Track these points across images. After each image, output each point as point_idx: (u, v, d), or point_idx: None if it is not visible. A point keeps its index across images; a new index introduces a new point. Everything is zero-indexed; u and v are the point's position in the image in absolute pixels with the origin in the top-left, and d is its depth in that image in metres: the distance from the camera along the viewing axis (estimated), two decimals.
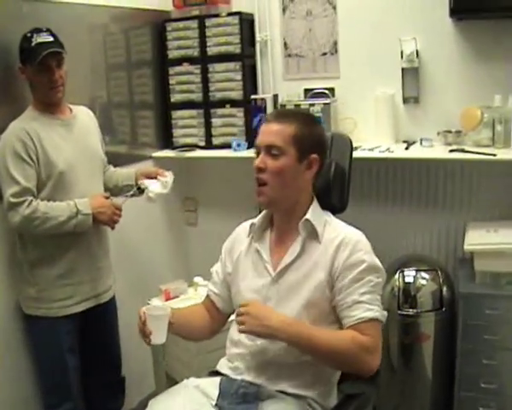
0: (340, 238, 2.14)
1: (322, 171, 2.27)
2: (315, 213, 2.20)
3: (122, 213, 2.96)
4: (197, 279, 3.52)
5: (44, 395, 3.06)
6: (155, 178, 3.09)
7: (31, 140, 2.74)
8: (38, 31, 2.78)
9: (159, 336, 2.17)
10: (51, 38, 2.79)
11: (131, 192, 3.06)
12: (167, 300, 3.42)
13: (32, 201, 2.71)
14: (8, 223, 2.75)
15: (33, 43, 2.74)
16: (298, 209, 2.20)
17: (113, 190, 3.17)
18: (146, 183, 3.05)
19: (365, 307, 2.05)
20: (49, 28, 2.82)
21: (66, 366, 2.96)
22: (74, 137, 2.94)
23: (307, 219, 2.18)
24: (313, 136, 2.18)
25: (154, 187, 3.04)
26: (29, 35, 2.76)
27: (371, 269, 2.10)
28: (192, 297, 3.41)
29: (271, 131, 2.15)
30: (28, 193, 2.71)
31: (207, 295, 2.47)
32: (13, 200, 2.68)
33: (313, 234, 2.18)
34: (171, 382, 3.26)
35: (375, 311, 2.07)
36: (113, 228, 2.99)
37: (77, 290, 2.94)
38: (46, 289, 2.88)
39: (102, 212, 2.87)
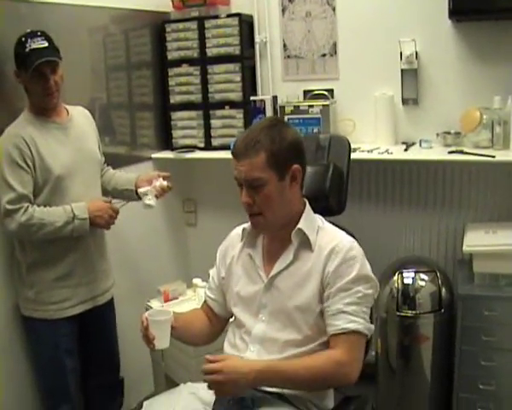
0: (331, 246, 2.12)
1: (320, 173, 2.25)
2: (307, 221, 2.18)
3: (121, 214, 2.97)
4: (196, 281, 3.51)
5: (43, 396, 3.06)
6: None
7: (27, 146, 2.73)
8: (33, 35, 2.73)
9: (162, 341, 2.16)
10: (46, 44, 2.74)
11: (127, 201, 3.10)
12: (166, 301, 3.43)
13: (28, 207, 2.70)
14: (5, 228, 2.74)
15: (27, 49, 2.70)
16: (290, 219, 2.18)
17: (111, 193, 3.18)
18: (142, 190, 3.05)
19: (349, 318, 2.04)
20: (43, 31, 2.78)
21: (64, 367, 2.95)
22: (71, 140, 2.93)
23: (300, 229, 2.16)
24: (285, 148, 2.09)
25: (147, 194, 3.05)
26: (23, 40, 2.73)
27: (360, 279, 2.08)
28: (191, 298, 3.42)
29: (245, 167, 2.09)
30: (24, 200, 2.70)
31: (205, 301, 2.46)
32: (9, 207, 2.68)
33: (306, 242, 2.16)
34: (170, 383, 3.27)
35: (359, 323, 2.05)
36: (108, 229, 2.99)
37: (74, 293, 2.93)
38: (43, 292, 2.87)
39: (99, 215, 2.86)
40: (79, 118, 3.04)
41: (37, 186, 2.77)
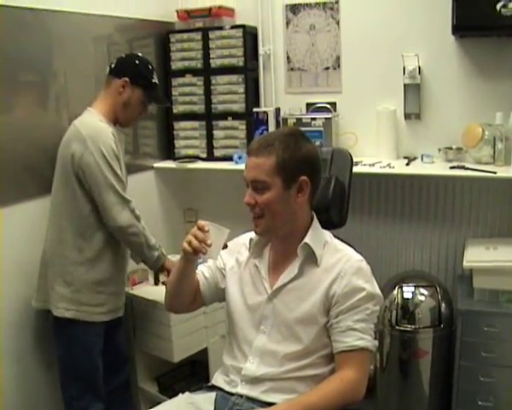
0: (340, 265, 2.12)
1: (322, 186, 2.25)
2: (314, 235, 2.18)
3: None
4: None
5: (71, 397, 3.05)
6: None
7: (118, 145, 2.89)
8: (153, 68, 3.11)
9: (215, 252, 2.11)
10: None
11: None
12: (134, 285, 3.54)
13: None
14: (112, 220, 2.83)
15: (154, 80, 3.06)
16: (296, 231, 2.17)
17: None
18: None
19: (358, 335, 2.05)
20: None
21: (98, 368, 3.02)
22: (123, 156, 3.08)
23: (306, 243, 2.15)
24: (297, 158, 2.09)
25: None
26: (150, 67, 3.07)
27: (370, 297, 2.09)
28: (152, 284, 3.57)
29: (253, 166, 2.10)
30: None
31: (196, 273, 2.39)
32: (124, 195, 2.84)
33: (312, 257, 2.16)
34: None
35: (367, 340, 2.07)
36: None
37: (108, 300, 3.00)
38: (80, 291, 2.92)
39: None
40: None
41: None
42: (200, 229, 2.08)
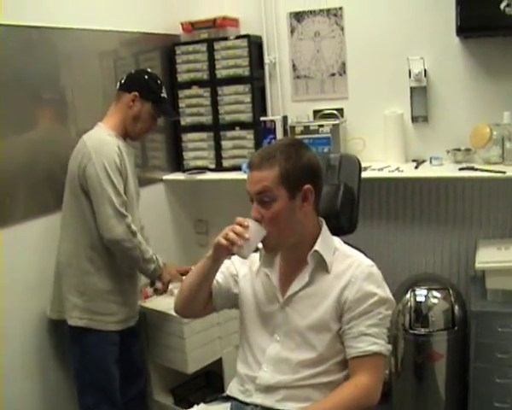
0: (351, 271, 2.11)
1: (331, 193, 2.24)
2: (324, 243, 2.17)
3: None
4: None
5: (88, 406, 3.06)
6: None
7: (123, 159, 2.92)
8: (162, 83, 3.12)
9: (249, 248, 2.08)
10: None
11: None
12: (146, 298, 3.55)
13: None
14: (107, 232, 2.84)
15: (163, 95, 3.09)
16: (304, 240, 2.16)
17: None
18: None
19: (371, 340, 2.04)
20: None
21: (113, 376, 3.04)
22: (133, 169, 3.10)
23: (316, 251, 2.14)
24: (299, 167, 2.09)
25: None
26: (159, 82, 3.10)
27: (381, 302, 2.08)
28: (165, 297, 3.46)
29: (257, 180, 2.09)
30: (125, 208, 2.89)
31: None
32: (120, 209, 2.83)
33: (322, 264, 2.15)
34: None
35: (381, 345, 2.06)
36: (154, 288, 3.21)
37: (119, 310, 3.02)
38: (93, 301, 2.95)
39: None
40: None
41: None
42: (240, 224, 2.09)
